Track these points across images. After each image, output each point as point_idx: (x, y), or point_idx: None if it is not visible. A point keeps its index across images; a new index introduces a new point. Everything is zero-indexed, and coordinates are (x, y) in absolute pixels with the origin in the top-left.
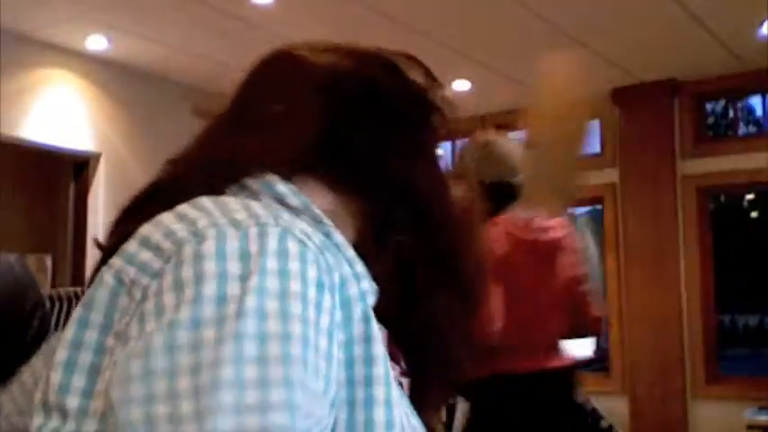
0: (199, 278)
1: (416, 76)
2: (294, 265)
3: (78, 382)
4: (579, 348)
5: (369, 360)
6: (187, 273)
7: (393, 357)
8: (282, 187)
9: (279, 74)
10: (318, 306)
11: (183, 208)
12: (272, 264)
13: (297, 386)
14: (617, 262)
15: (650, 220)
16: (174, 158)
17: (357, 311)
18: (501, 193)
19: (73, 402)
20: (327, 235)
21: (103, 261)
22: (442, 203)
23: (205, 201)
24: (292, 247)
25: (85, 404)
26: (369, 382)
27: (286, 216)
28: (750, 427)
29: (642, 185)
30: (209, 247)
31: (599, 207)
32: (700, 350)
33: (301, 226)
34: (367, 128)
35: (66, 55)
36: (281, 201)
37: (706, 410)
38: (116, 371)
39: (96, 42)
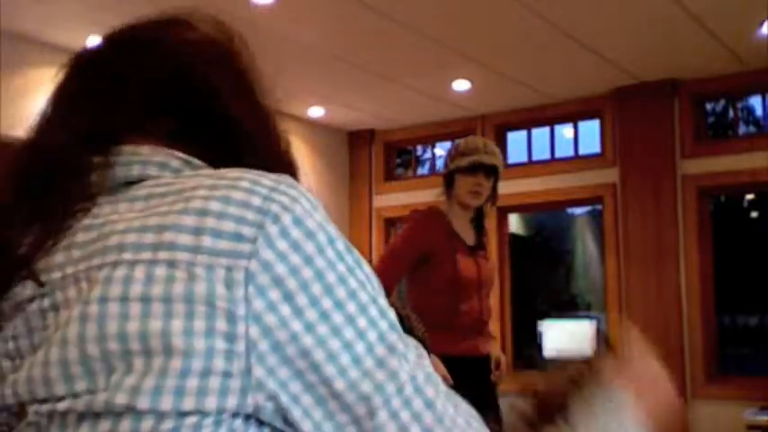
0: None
1: (208, 29)
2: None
3: None
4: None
5: None
6: (298, 233)
7: None
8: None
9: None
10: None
11: (205, 199)
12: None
13: None
14: (617, 262)
15: (650, 220)
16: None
17: None
18: None
19: None
20: None
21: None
22: (270, 133)
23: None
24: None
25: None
26: None
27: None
28: (750, 427)
29: (642, 185)
30: (296, 212)
31: (599, 207)
32: (700, 350)
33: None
34: (195, 84)
35: (67, 55)
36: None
37: (706, 410)
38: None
39: (96, 42)
